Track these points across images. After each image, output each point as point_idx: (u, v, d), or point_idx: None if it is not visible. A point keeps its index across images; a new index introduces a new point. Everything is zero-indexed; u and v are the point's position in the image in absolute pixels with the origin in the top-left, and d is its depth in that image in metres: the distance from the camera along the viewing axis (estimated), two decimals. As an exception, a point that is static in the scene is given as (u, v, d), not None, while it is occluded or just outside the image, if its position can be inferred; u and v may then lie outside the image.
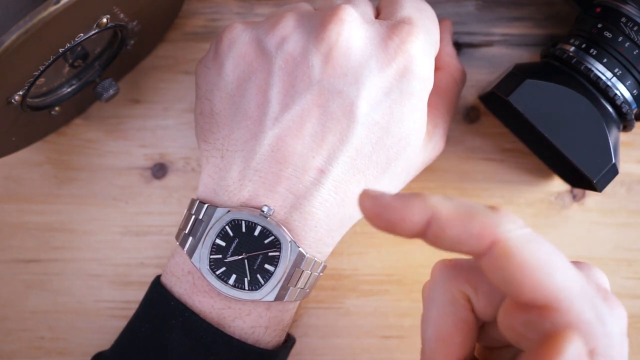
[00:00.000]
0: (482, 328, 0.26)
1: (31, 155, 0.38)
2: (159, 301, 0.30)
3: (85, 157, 0.38)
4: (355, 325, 0.37)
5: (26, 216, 0.38)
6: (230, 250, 0.29)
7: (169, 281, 0.30)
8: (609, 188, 0.37)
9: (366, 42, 0.29)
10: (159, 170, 0.38)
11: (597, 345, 0.21)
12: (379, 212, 0.22)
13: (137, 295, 0.37)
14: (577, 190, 0.38)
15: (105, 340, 0.37)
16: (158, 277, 0.31)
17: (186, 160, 0.38)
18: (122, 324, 0.32)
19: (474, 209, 0.22)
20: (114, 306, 0.38)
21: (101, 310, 0.38)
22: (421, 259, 0.37)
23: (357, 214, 0.32)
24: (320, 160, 0.29)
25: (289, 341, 0.33)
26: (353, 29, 0.29)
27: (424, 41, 0.30)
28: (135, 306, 0.32)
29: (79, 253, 0.38)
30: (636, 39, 0.31)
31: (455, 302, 0.24)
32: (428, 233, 0.22)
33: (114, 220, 0.38)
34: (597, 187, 0.32)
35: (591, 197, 0.37)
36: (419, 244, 0.37)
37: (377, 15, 0.32)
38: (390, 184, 0.32)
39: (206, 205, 0.29)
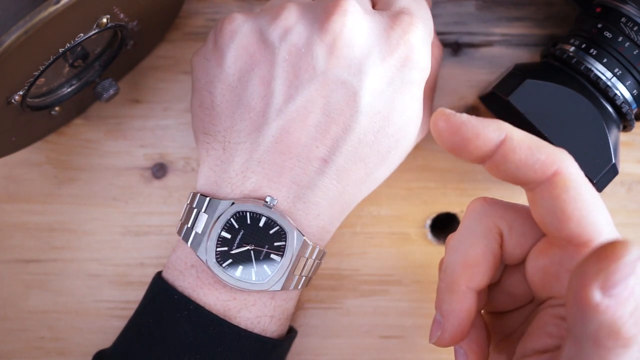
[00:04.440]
0: (489, 293, 0.28)
1: (31, 155, 0.38)
2: (162, 295, 0.30)
3: (85, 157, 0.38)
4: (355, 325, 0.37)
5: (26, 216, 0.38)
6: (236, 242, 0.29)
7: (172, 275, 0.30)
8: (609, 188, 0.37)
9: (369, 32, 0.30)
10: (159, 170, 0.38)
11: None
12: (454, 128, 0.24)
13: (137, 295, 0.37)
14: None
15: (106, 340, 0.37)
16: (159, 273, 0.31)
17: (186, 160, 0.38)
18: (122, 324, 0.32)
19: (540, 140, 0.24)
20: (114, 306, 0.38)
21: (101, 310, 0.38)
22: (421, 260, 0.38)
23: (355, 200, 0.32)
24: (323, 150, 0.29)
25: (291, 332, 0.33)
26: (356, 20, 0.29)
27: (423, 31, 0.31)
28: (136, 306, 0.32)
29: (79, 253, 0.38)
30: (636, 39, 0.31)
31: (488, 233, 0.26)
32: (497, 154, 0.24)
33: (114, 220, 0.38)
34: (597, 187, 0.32)
35: (591, 197, 0.37)
36: (418, 244, 0.37)
37: (374, 6, 0.32)
38: (387, 169, 0.32)
39: (208, 199, 0.30)
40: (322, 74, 0.29)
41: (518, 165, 0.24)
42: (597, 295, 0.19)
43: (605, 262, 0.19)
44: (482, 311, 0.30)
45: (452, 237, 0.28)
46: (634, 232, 0.37)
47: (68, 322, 0.38)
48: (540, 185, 0.24)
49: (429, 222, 0.38)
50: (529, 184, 0.24)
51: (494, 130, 0.23)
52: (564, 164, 0.24)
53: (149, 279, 0.32)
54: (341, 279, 0.37)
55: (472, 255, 0.26)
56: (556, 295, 0.25)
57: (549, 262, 0.25)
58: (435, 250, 0.38)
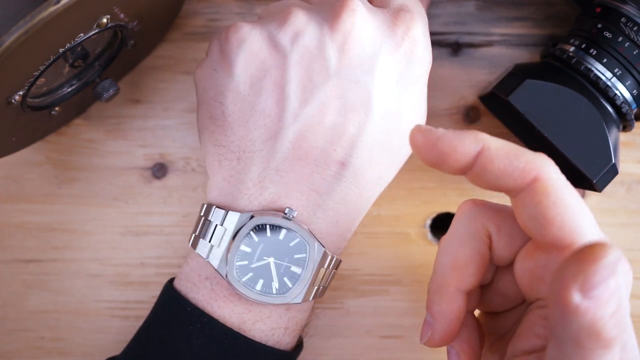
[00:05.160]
0: (483, 293, 0.29)
1: (31, 155, 0.38)
2: (175, 307, 0.29)
3: (85, 157, 0.38)
4: (355, 325, 0.37)
5: (26, 216, 0.38)
6: (256, 256, 0.28)
7: (184, 287, 0.30)
8: (608, 188, 0.37)
9: (376, 30, 0.30)
10: (159, 170, 0.38)
11: None
12: (431, 144, 0.24)
13: (137, 295, 0.37)
14: (577, 190, 0.38)
15: (106, 340, 0.37)
16: (170, 282, 0.31)
17: (186, 160, 0.38)
18: (122, 324, 0.32)
19: (519, 147, 0.24)
20: (114, 306, 0.38)
21: (101, 310, 0.38)
22: (421, 260, 0.37)
23: (369, 204, 0.32)
24: (341, 152, 0.29)
25: (300, 341, 0.33)
26: (364, 18, 0.30)
27: (423, 26, 0.31)
28: (136, 306, 0.32)
29: (79, 253, 0.38)
30: (636, 39, 0.31)
31: (476, 236, 0.26)
32: (476, 165, 0.24)
33: (114, 220, 0.38)
34: (597, 187, 0.32)
35: (591, 197, 0.37)
36: (418, 244, 0.37)
37: (370, 3, 0.32)
38: (396, 167, 0.32)
39: (225, 211, 0.29)
40: (335, 75, 0.29)
41: (497, 174, 0.24)
42: (576, 297, 0.19)
43: (584, 264, 0.19)
44: (478, 312, 0.30)
45: (443, 239, 0.28)
46: (634, 232, 0.37)
47: (68, 322, 0.38)
48: (521, 192, 0.24)
49: (428, 222, 0.38)
50: (511, 192, 0.24)
51: (470, 142, 0.24)
52: (544, 170, 0.24)
53: (149, 279, 0.32)
54: (341, 279, 0.37)
55: (461, 257, 0.26)
56: (543, 297, 0.25)
57: (535, 265, 0.25)
58: (435, 250, 0.38)
